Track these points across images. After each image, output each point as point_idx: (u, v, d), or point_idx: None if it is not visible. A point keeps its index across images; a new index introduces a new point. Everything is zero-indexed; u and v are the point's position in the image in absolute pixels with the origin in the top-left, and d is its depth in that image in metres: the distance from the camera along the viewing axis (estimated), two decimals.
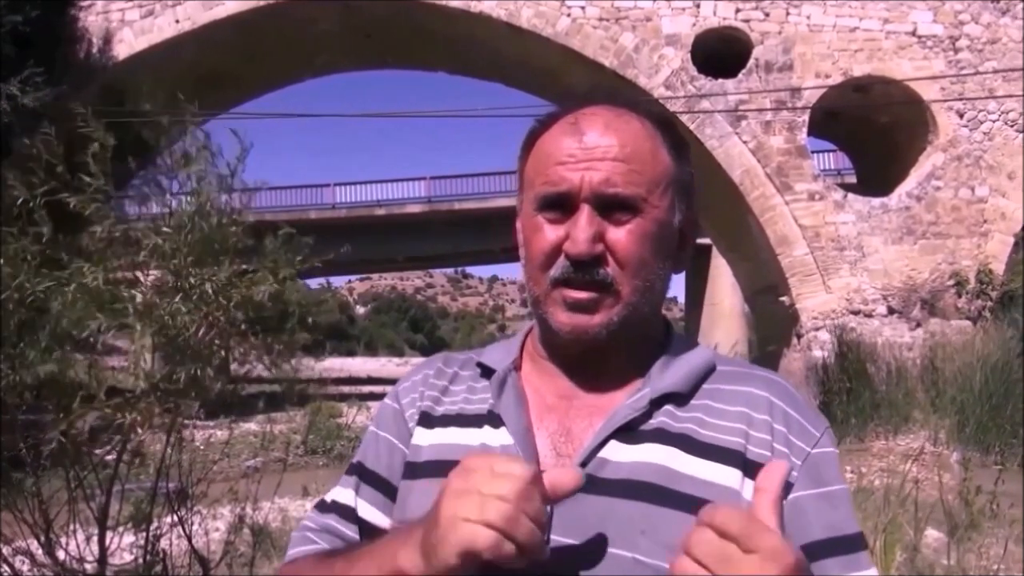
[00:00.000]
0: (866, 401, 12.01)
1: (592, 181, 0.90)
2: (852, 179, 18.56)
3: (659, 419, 0.90)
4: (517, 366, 1.00)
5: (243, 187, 3.20)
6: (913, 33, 14.43)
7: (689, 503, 0.83)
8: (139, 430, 2.90)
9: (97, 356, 3.23)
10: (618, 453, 0.88)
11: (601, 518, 0.85)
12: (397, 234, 28.95)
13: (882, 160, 15.66)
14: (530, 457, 0.90)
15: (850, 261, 14.10)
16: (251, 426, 9.76)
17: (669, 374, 0.93)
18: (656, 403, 0.91)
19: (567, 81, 14.50)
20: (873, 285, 14.01)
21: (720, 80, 14.37)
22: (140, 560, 3.17)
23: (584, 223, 0.89)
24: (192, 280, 2.90)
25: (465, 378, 1.03)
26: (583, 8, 14.37)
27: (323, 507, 1.04)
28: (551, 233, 0.92)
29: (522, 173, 0.99)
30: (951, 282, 13.90)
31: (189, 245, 2.91)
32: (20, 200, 2.82)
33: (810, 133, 14.87)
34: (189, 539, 3.31)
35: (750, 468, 0.85)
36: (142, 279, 3.01)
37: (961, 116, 14.28)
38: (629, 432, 0.89)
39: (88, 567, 3.06)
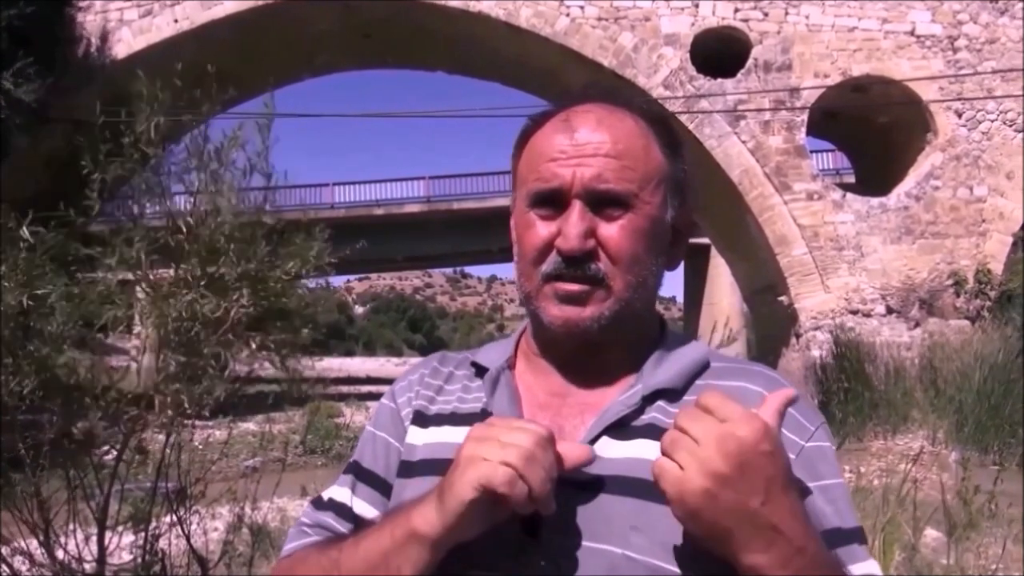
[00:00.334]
0: (865, 401, 12.02)
1: (583, 177, 0.90)
2: (851, 179, 18.58)
3: (651, 415, 0.90)
4: (511, 364, 1.01)
5: (268, 181, 3.23)
6: (912, 33, 14.44)
7: None
8: (145, 426, 2.91)
9: (98, 356, 3.23)
10: (610, 449, 0.88)
11: (592, 514, 0.85)
12: (396, 234, 28.94)
13: (881, 160, 15.67)
14: None
15: (849, 261, 14.11)
16: (250, 426, 9.74)
17: (662, 370, 0.93)
18: (649, 399, 0.91)
19: (566, 81, 14.49)
20: (872, 285, 14.02)
21: (719, 80, 14.38)
22: (139, 560, 3.17)
23: (575, 219, 0.90)
24: (225, 267, 2.91)
25: (460, 377, 1.03)
26: (582, 8, 14.37)
27: (319, 504, 1.04)
28: (543, 229, 0.92)
29: (515, 171, 0.99)
30: (950, 282, 13.91)
31: (227, 235, 2.93)
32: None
33: (809, 133, 14.89)
34: (188, 539, 3.31)
35: None
36: (149, 275, 3.00)
37: (960, 116, 14.29)
38: (621, 428, 0.89)
39: (87, 567, 3.06)
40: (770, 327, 15.59)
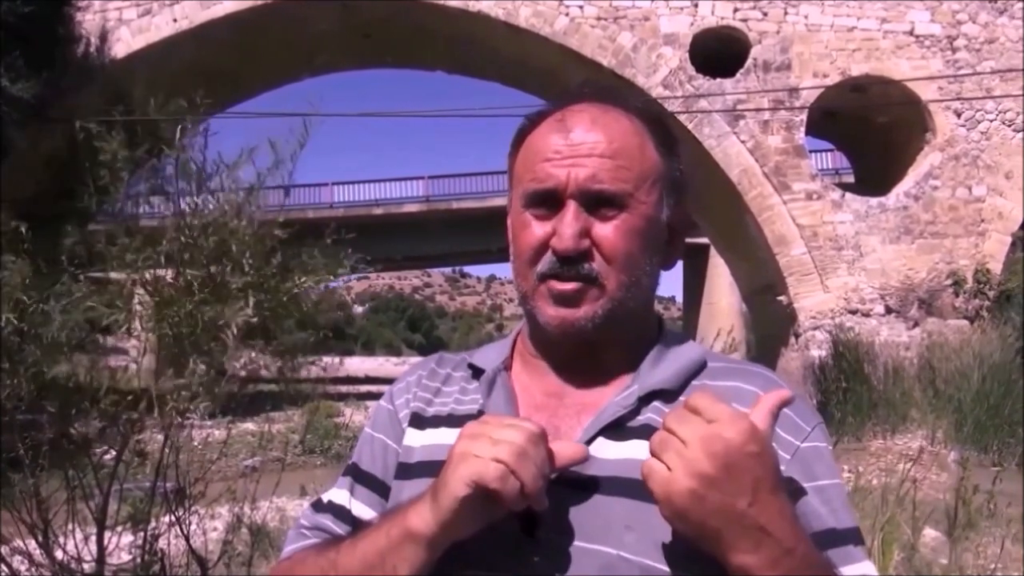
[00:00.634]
0: (864, 401, 12.02)
1: (578, 177, 0.90)
2: (850, 178, 18.58)
3: (647, 415, 0.90)
4: (507, 365, 1.01)
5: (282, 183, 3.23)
6: (911, 33, 14.44)
7: None
8: (143, 428, 2.90)
9: (98, 357, 3.23)
10: (605, 450, 0.88)
11: (588, 514, 0.85)
12: (395, 233, 28.92)
13: (880, 160, 15.67)
14: None
15: (848, 261, 14.11)
16: (249, 426, 9.74)
17: (658, 371, 0.93)
18: (645, 400, 0.91)
19: (565, 80, 14.47)
20: (871, 285, 14.02)
21: (718, 80, 14.37)
22: (138, 560, 3.16)
23: (570, 219, 0.90)
24: (244, 270, 2.91)
25: (457, 379, 1.03)
26: (581, 7, 14.37)
27: (318, 507, 1.05)
28: (538, 229, 0.92)
29: (511, 170, 1.00)
30: (949, 282, 13.91)
31: (243, 240, 2.93)
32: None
33: (808, 133, 14.89)
34: (187, 539, 3.30)
35: None
36: (149, 277, 3.00)
37: (959, 116, 14.29)
38: (617, 429, 0.89)
39: (86, 567, 3.06)
40: (769, 327, 15.59)
